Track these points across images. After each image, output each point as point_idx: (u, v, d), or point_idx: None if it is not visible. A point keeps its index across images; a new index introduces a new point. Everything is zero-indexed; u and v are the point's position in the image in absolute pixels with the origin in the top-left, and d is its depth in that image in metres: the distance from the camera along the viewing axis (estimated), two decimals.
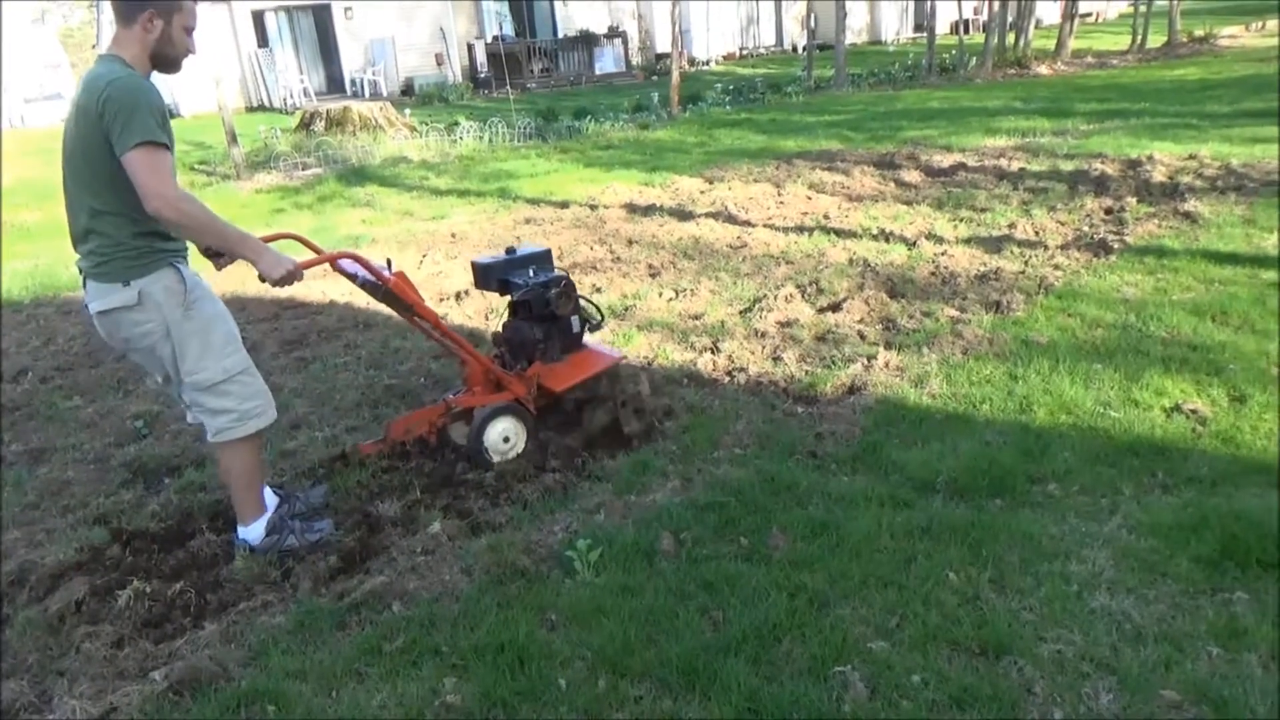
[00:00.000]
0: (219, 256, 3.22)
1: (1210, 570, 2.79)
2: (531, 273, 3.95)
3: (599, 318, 4.31)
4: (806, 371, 4.66)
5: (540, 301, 3.89)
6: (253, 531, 3.29)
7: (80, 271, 3.06)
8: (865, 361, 4.66)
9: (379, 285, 3.51)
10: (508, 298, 4.08)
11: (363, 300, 6.56)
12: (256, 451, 3.27)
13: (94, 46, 37.97)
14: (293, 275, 3.02)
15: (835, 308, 5.60)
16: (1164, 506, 3.18)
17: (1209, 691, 2.31)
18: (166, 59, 3.00)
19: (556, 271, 4.03)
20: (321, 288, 6.99)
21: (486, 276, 3.98)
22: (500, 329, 4.15)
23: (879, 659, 2.50)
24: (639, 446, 3.92)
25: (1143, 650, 2.48)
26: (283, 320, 6.36)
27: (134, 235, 2.94)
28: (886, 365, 4.59)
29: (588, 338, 4.18)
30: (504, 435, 3.81)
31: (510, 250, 4.02)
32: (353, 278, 3.58)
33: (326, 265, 3.47)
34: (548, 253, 4.09)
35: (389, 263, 3.60)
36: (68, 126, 2.93)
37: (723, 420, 4.12)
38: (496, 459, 3.80)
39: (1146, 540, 2.98)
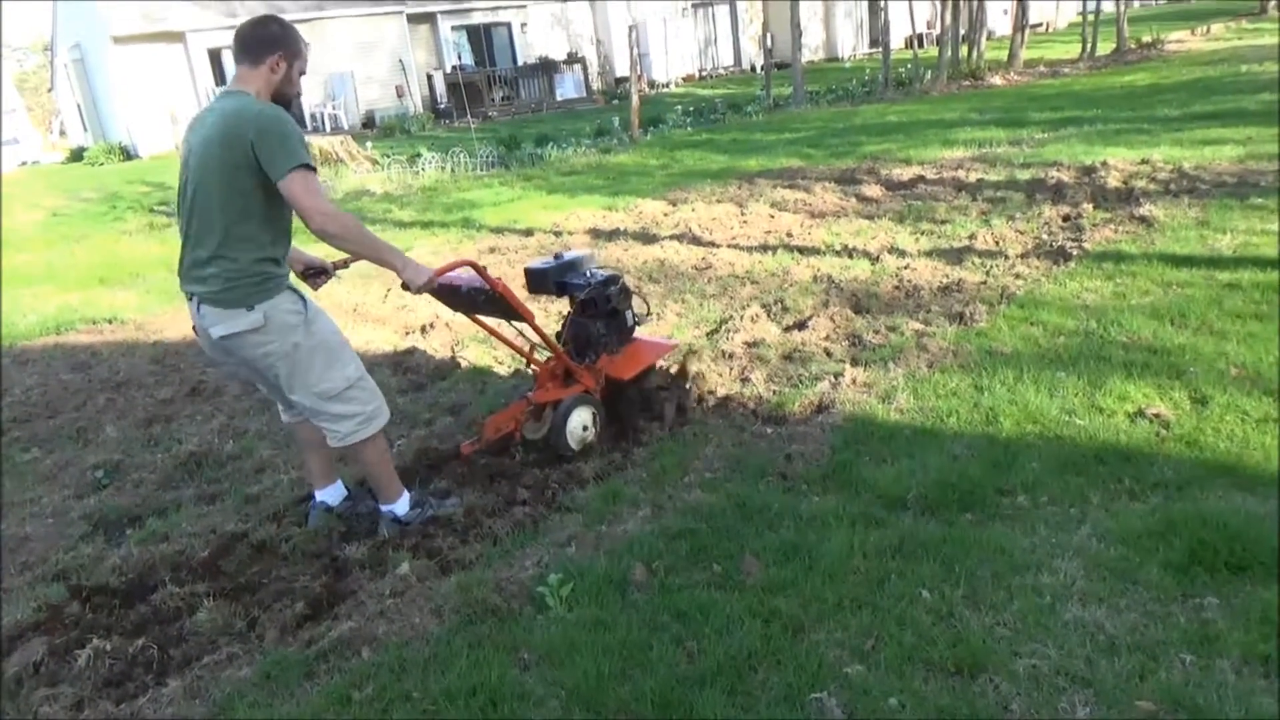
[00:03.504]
0: (317, 276, 3.49)
1: (1180, 576, 2.80)
2: (588, 273, 4.16)
3: (647, 311, 4.53)
4: (774, 391, 4.66)
5: (603, 299, 4.11)
6: (400, 506, 3.60)
7: (190, 297, 3.22)
8: (832, 379, 4.66)
9: (483, 290, 3.69)
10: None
11: None
12: (384, 441, 3.55)
13: (49, 90, 37.62)
14: (432, 283, 3.33)
15: (801, 326, 5.61)
16: (1132, 513, 3.19)
17: (1183, 699, 2.31)
18: (284, 97, 3.26)
19: (608, 271, 4.25)
20: None
21: (543, 280, 4.18)
22: (562, 328, 4.35)
23: (855, 683, 2.48)
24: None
25: (1117, 661, 2.48)
26: None
27: (256, 261, 3.14)
28: (854, 382, 4.60)
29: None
30: (583, 424, 4.06)
31: (558, 256, 4.26)
32: (449, 294, 3.81)
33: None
34: (591, 256, 4.33)
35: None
36: (201, 158, 3.09)
37: (692, 444, 4.10)
38: (577, 447, 4.04)
39: (1116, 548, 2.98)
